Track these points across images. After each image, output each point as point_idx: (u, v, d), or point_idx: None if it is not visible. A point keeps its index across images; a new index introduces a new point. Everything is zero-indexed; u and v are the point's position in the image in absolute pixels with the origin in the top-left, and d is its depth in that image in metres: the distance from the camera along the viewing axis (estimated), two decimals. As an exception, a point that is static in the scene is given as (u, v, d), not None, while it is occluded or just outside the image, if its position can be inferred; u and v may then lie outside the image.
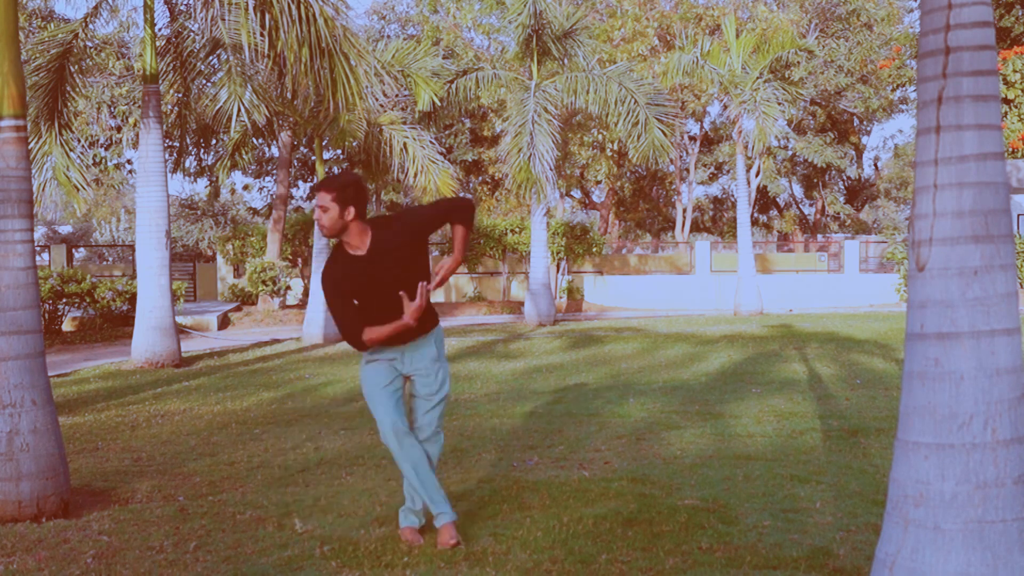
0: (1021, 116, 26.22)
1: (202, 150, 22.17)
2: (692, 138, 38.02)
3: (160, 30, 14.45)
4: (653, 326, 18.68)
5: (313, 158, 29.75)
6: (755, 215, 42.23)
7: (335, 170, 34.93)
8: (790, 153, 38.52)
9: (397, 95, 18.02)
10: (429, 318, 4.51)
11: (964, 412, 2.85)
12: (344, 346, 15.98)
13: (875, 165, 46.82)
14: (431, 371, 4.54)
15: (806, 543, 4.47)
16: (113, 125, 25.86)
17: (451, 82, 19.87)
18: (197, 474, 6.48)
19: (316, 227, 17.76)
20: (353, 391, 10.57)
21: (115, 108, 25.22)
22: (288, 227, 25.62)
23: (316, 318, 17.04)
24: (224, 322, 21.19)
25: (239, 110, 14.38)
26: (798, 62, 28.22)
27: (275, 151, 29.53)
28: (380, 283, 4.32)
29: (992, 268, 2.86)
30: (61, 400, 9.99)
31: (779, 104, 21.54)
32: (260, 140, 21.64)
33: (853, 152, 39.18)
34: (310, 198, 35.97)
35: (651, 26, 30.51)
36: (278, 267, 23.42)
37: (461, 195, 5.66)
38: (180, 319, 18.51)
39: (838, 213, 43.37)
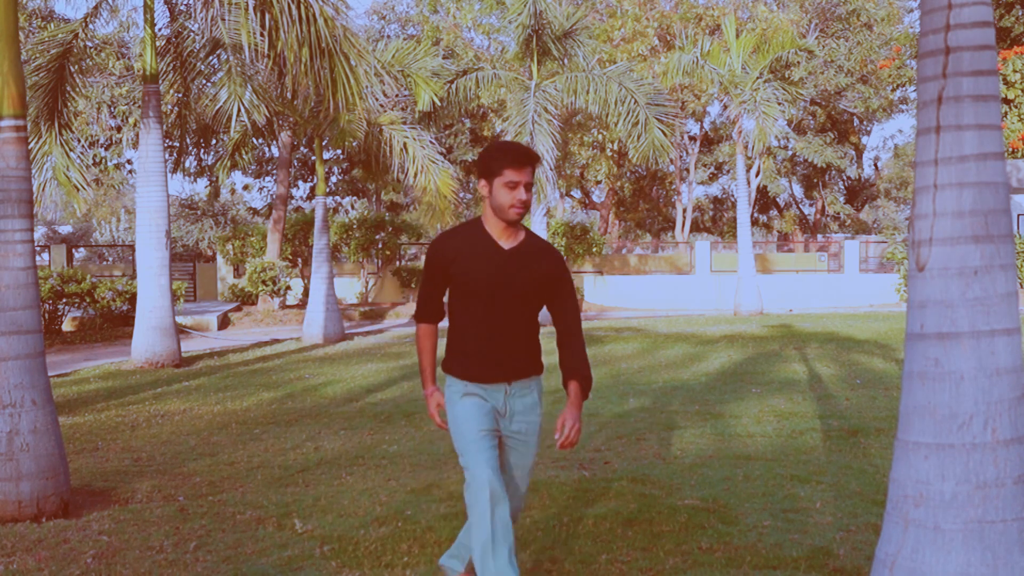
0: (1021, 116, 26.22)
1: (202, 150, 22.16)
2: (692, 138, 38.02)
3: (160, 30, 14.45)
4: (653, 326, 18.67)
5: (313, 158, 29.75)
6: (755, 215, 42.24)
7: (335, 170, 34.97)
8: (790, 153, 38.52)
9: (397, 95, 18.02)
10: (535, 360, 3.81)
11: (964, 412, 2.85)
12: (344, 346, 15.97)
13: (875, 165, 46.84)
14: (530, 436, 3.77)
15: (806, 543, 4.47)
16: (113, 125, 25.86)
17: (451, 82, 19.87)
18: (197, 474, 6.48)
19: (315, 228, 17.86)
20: (353, 391, 10.57)
21: (115, 108, 25.23)
22: (288, 227, 25.61)
23: (316, 318, 17.04)
24: (224, 322, 21.19)
25: (239, 110, 14.38)
26: (798, 62, 28.22)
27: (275, 151, 29.54)
28: (503, 288, 3.68)
29: (992, 268, 2.86)
30: (61, 400, 9.99)
31: (779, 104, 21.55)
32: (260, 140, 21.64)
33: (853, 152, 39.18)
34: (309, 198, 35.97)
35: (651, 26, 30.51)
36: (278, 267, 23.41)
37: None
38: (180, 319, 18.51)
39: (838, 213, 43.37)
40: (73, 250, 28.70)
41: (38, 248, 25.14)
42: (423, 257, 32.67)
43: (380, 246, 26.19)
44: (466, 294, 3.71)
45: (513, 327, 3.72)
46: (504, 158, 3.62)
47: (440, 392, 3.78)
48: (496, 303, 3.69)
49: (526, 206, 3.64)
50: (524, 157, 3.64)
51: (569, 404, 3.64)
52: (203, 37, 14.12)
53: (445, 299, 3.87)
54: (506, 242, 3.71)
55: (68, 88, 14.21)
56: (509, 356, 3.72)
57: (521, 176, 3.61)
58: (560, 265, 3.79)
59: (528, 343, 3.77)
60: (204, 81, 15.71)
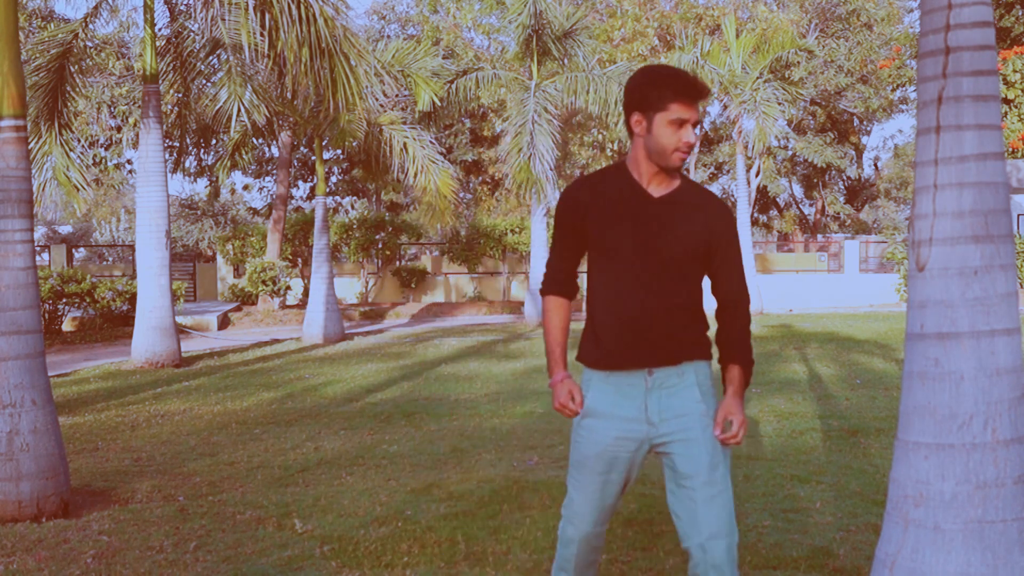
0: (1021, 116, 26.21)
1: (202, 150, 22.19)
2: (692, 138, 37.97)
3: (160, 30, 14.46)
4: (653, 326, 18.66)
5: (313, 158, 29.74)
6: (755, 215, 42.23)
7: (335, 170, 34.96)
8: (790, 153, 38.51)
9: (397, 95, 18.02)
10: (692, 340, 3.00)
11: (964, 412, 2.84)
12: (344, 346, 15.96)
13: (875, 165, 46.84)
14: (696, 429, 2.92)
15: (806, 543, 4.47)
16: (113, 125, 25.86)
17: (451, 82, 19.88)
18: (197, 474, 6.48)
19: (315, 228, 17.87)
20: (353, 391, 10.57)
21: (115, 108, 25.23)
22: (288, 227, 25.62)
23: (316, 318, 17.03)
24: (224, 322, 21.19)
25: (239, 110, 14.39)
26: (798, 62, 28.22)
27: (275, 151, 29.54)
28: (649, 246, 2.94)
29: (992, 268, 2.86)
30: (61, 400, 9.99)
31: (779, 104, 21.55)
32: (260, 140, 21.65)
33: (853, 152, 39.18)
34: (309, 198, 35.97)
35: (651, 26, 30.49)
36: (278, 267, 23.41)
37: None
38: (180, 319, 18.51)
39: (838, 213, 43.37)
40: (73, 250, 28.71)
41: (38, 248, 25.15)
42: (423, 257, 32.59)
43: (380, 246, 26.19)
44: (603, 255, 3.00)
45: (661, 297, 2.94)
46: (672, 89, 2.89)
47: (572, 379, 3.03)
48: (640, 266, 2.95)
49: (690, 150, 2.96)
50: (695, 90, 2.91)
51: (730, 394, 2.99)
52: (203, 37, 14.13)
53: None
54: (657, 189, 2.99)
55: (68, 88, 14.21)
56: (651, 334, 2.93)
57: (691, 113, 2.91)
58: (725, 219, 3.04)
59: (681, 318, 2.97)
60: (204, 81, 15.72)
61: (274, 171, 32.29)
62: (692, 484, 2.86)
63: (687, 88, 2.89)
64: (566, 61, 20.21)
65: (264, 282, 23.10)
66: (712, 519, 2.84)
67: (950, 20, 2.86)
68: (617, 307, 2.96)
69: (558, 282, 3.12)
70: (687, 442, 2.89)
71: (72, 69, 14.27)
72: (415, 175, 17.85)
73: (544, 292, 3.15)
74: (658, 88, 2.90)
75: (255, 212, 40.21)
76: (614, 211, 2.97)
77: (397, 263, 27.01)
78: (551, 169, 19.29)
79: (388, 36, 31.76)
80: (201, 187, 37.86)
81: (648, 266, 2.94)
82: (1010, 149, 26.29)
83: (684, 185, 3.02)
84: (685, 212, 2.97)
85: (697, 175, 39.20)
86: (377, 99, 16.26)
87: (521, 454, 6.82)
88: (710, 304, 3.03)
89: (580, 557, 3.06)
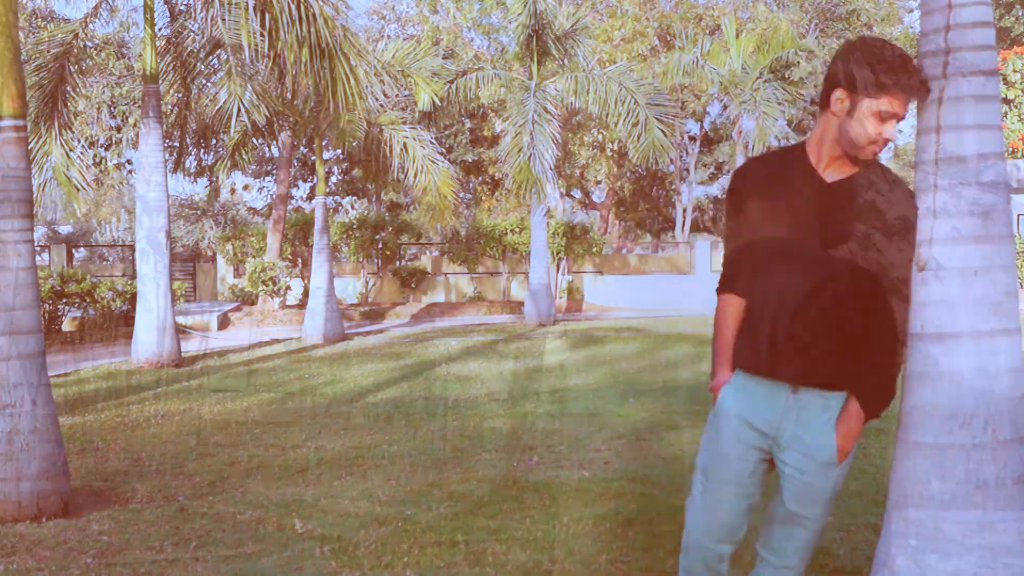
0: (1021, 116, 26.22)
1: (202, 150, 22.19)
2: (692, 138, 38.00)
3: (160, 30, 14.46)
4: (653, 326, 18.67)
5: (313, 158, 29.75)
6: (755, 215, 42.10)
7: (335, 170, 34.99)
8: (790, 153, 38.48)
9: (397, 95, 18.03)
10: (855, 364, 2.66)
11: (964, 412, 2.85)
12: (344, 346, 15.95)
13: (875, 165, 46.85)
14: (818, 476, 2.71)
15: (806, 543, 4.47)
16: (113, 125, 25.86)
17: (451, 82, 19.88)
18: (197, 474, 6.48)
19: (315, 228, 17.86)
20: (353, 391, 10.56)
21: (115, 108, 25.24)
22: (288, 227, 25.61)
23: (316, 318, 17.03)
24: (224, 322, 21.18)
25: (239, 110, 14.38)
26: (798, 62, 28.21)
27: (275, 151, 29.53)
28: (812, 235, 2.58)
29: (992, 268, 2.86)
30: (61, 400, 9.98)
31: (779, 104, 21.57)
32: (260, 140, 21.62)
33: (853, 152, 39.15)
34: (309, 198, 35.97)
35: (651, 26, 30.50)
36: (278, 267, 23.41)
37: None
38: (180, 319, 18.51)
39: (838, 213, 43.37)
40: (73, 250, 28.69)
41: (38, 248, 25.15)
42: (423, 257, 32.65)
43: (380, 246, 26.19)
44: (765, 244, 2.66)
45: (822, 303, 2.56)
46: (893, 77, 2.51)
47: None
48: (800, 259, 2.58)
49: (888, 141, 2.61)
50: (917, 85, 2.57)
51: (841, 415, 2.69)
52: (203, 37, 14.14)
53: None
54: (833, 173, 2.64)
55: (68, 88, 14.21)
56: (803, 344, 2.58)
57: (903, 109, 2.57)
58: (905, 207, 2.69)
59: (845, 333, 2.58)
60: (204, 81, 15.72)
61: (274, 171, 32.29)
62: (795, 520, 2.82)
63: (909, 81, 2.54)
64: (566, 61, 20.21)
65: (264, 282, 23.09)
66: (797, 557, 2.87)
67: (950, 20, 2.86)
68: (772, 304, 2.62)
69: (733, 278, 2.78)
70: (806, 485, 2.73)
71: (72, 69, 14.27)
72: (415, 175, 17.85)
73: (719, 290, 2.83)
74: (877, 72, 2.52)
75: (255, 212, 40.18)
76: (778, 194, 2.64)
77: (397, 263, 27.01)
78: (551, 169, 19.29)
79: (388, 36, 31.74)
80: (201, 187, 37.84)
81: (811, 262, 2.56)
82: (1010, 149, 26.30)
83: (867, 171, 2.66)
84: (859, 200, 2.61)
85: (697, 175, 39.20)
86: (377, 99, 16.26)
87: (521, 454, 6.82)
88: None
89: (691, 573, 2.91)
